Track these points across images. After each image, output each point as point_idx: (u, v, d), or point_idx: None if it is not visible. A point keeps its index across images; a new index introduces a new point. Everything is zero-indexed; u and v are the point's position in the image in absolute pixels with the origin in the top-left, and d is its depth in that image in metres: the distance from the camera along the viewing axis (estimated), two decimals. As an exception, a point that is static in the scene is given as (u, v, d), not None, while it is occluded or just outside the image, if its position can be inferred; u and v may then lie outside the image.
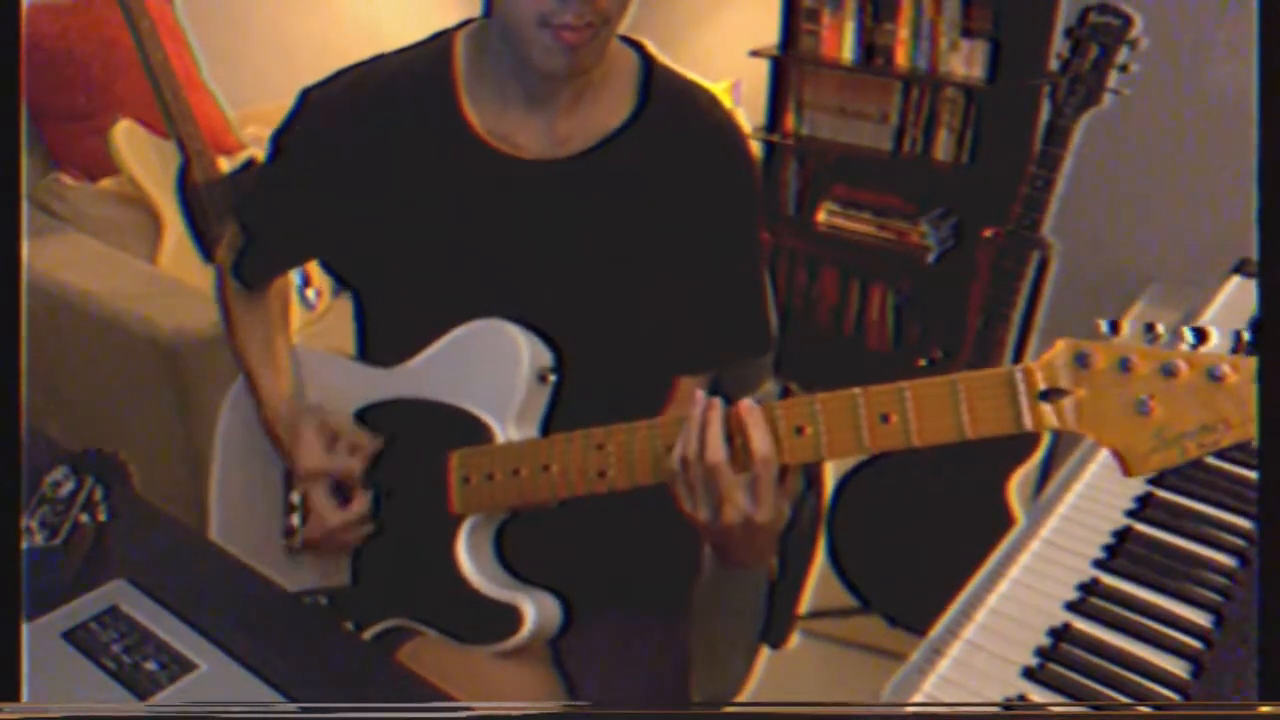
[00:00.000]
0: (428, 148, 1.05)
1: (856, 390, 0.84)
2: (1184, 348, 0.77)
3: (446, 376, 1.06)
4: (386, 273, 1.11)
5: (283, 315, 1.24)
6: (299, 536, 1.15)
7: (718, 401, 0.90)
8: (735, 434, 0.89)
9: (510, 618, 1.02)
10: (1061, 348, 0.79)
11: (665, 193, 1.06)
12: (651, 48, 1.09)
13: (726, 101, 1.13)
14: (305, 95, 1.10)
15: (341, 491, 1.10)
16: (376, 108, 1.07)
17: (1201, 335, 0.77)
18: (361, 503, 1.09)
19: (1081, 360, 0.78)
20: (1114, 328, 0.79)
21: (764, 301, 1.15)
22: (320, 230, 1.13)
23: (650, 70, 1.07)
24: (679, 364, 1.12)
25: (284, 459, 1.15)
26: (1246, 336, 0.76)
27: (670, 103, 1.07)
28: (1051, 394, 0.79)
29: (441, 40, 1.07)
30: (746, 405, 0.89)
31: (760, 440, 0.88)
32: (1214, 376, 0.75)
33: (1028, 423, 0.80)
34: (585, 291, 1.07)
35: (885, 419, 0.83)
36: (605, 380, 1.05)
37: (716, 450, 0.88)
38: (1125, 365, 0.77)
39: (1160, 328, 0.78)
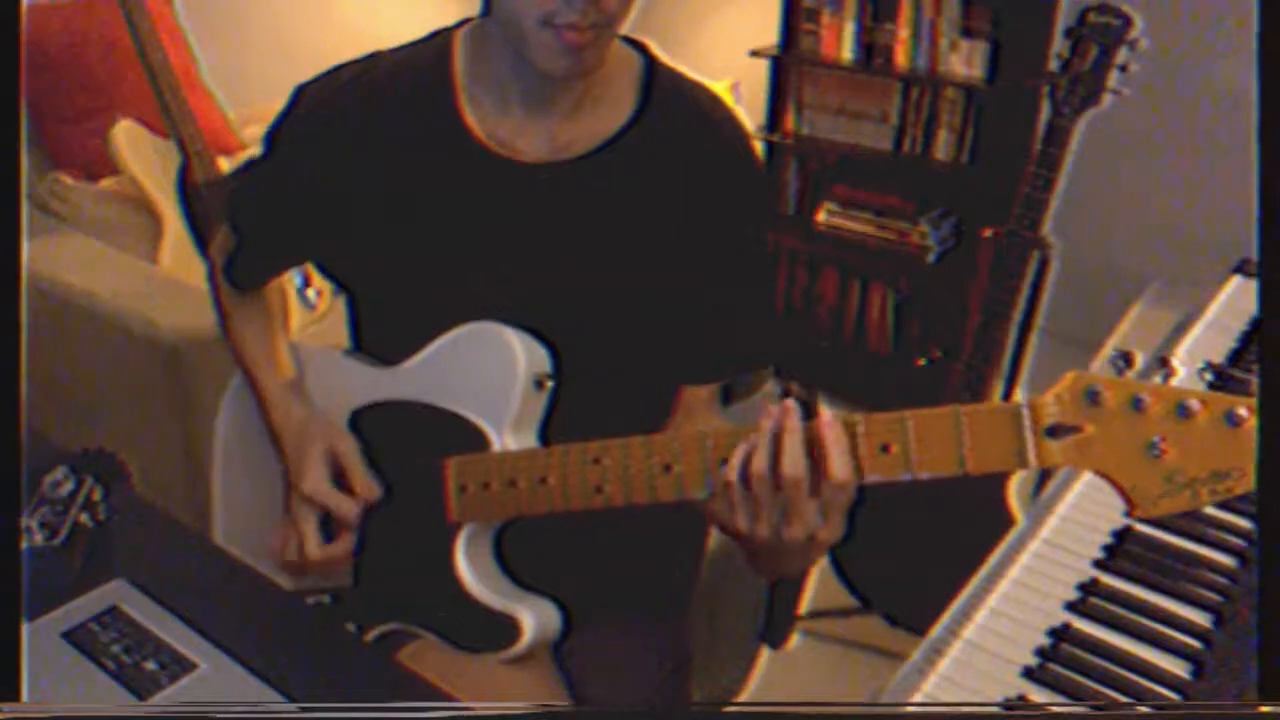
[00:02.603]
0: (424, 150, 1.04)
1: (858, 418, 0.83)
2: (1201, 385, 0.74)
3: (442, 380, 1.05)
4: (381, 276, 1.10)
5: (281, 312, 1.23)
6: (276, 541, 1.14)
7: (794, 407, 0.85)
8: (813, 449, 0.84)
9: (509, 628, 1.02)
10: (1070, 381, 0.76)
11: (666, 195, 1.04)
12: (654, 49, 1.08)
13: (728, 101, 1.12)
14: (300, 91, 1.08)
15: (328, 526, 1.09)
16: (373, 107, 1.05)
17: (1220, 374, 0.74)
18: (345, 545, 1.08)
19: (1091, 396, 0.76)
20: (1126, 359, 0.76)
21: (771, 306, 1.13)
22: (313, 231, 1.11)
23: (652, 72, 1.06)
24: (683, 373, 1.11)
25: (282, 463, 1.15)
26: (1209, 376, 0.73)
27: (671, 105, 1.05)
28: (1059, 430, 0.77)
29: (440, 39, 1.06)
30: (828, 421, 0.83)
31: (841, 463, 0.83)
32: (1232, 421, 0.72)
33: (1032, 460, 0.77)
34: (586, 296, 1.06)
35: (885, 449, 0.82)
36: (609, 387, 1.04)
37: (798, 463, 0.83)
38: (1138, 404, 0.74)
39: (1175, 362, 0.75)
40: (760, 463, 0.84)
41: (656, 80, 1.05)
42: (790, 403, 0.84)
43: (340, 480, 1.09)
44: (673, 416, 1.11)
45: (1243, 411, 0.72)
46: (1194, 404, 0.73)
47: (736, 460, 0.85)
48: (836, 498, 0.84)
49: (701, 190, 1.05)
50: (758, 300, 1.13)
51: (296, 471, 1.10)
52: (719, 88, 3.12)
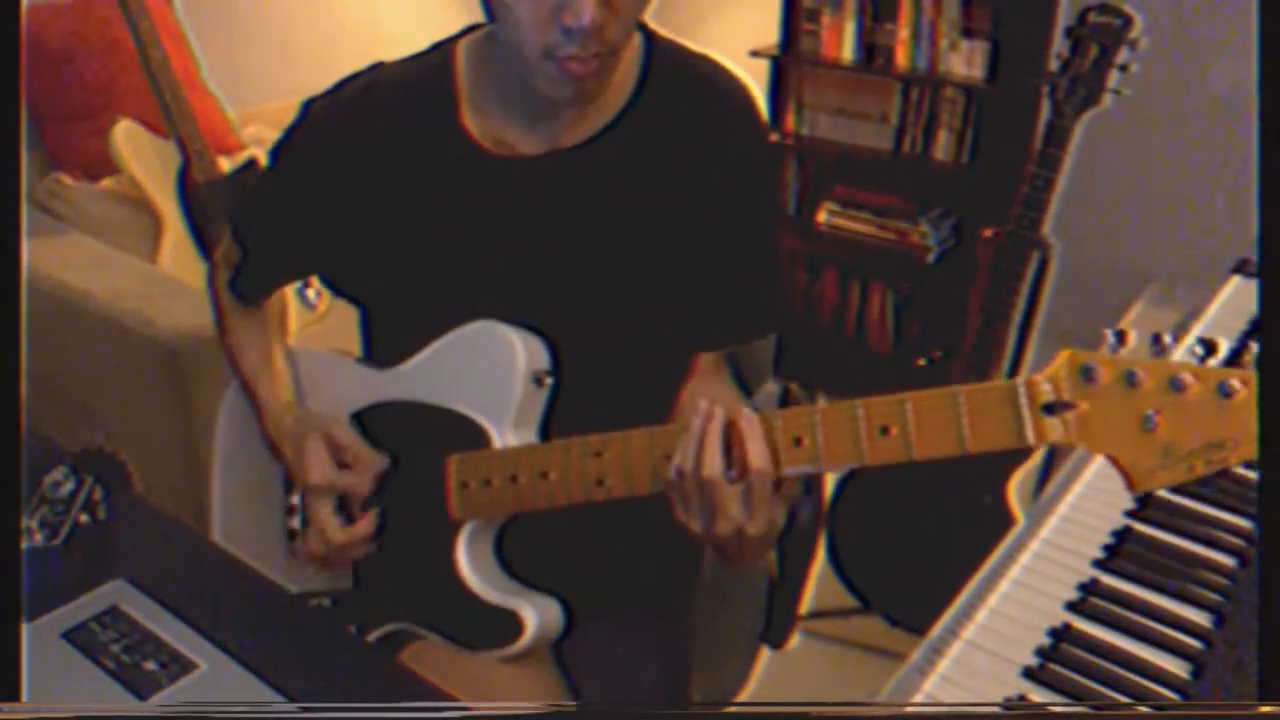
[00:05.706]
0: (428, 160, 1.04)
1: (857, 401, 0.83)
2: (1193, 360, 0.75)
3: (442, 379, 1.05)
4: (391, 285, 1.10)
5: (280, 320, 1.23)
6: (299, 539, 1.14)
7: (718, 412, 0.89)
8: (734, 445, 0.88)
9: (512, 624, 1.02)
10: (1065, 359, 0.77)
11: (672, 167, 1.04)
12: (654, 26, 1.06)
13: (734, 70, 1.09)
14: (307, 107, 1.09)
15: (345, 509, 1.10)
16: (378, 121, 1.06)
17: (1210, 347, 0.75)
18: (367, 522, 1.08)
19: (1086, 373, 0.77)
20: (1120, 338, 0.77)
21: (777, 272, 1.13)
22: (321, 245, 1.12)
23: (652, 49, 1.05)
24: (691, 341, 1.10)
25: (284, 467, 1.14)
26: (1254, 349, 0.74)
27: (671, 77, 1.04)
28: (1055, 407, 0.77)
29: (442, 50, 1.06)
30: (746, 416, 0.88)
31: (757, 454, 0.87)
32: (1224, 392, 0.73)
33: (1030, 437, 0.78)
34: (596, 281, 1.05)
35: (885, 431, 0.83)
36: (616, 374, 1.04)
37: (713, 464, 0.88)
38: (1131, 379, 0.75)
39: (1168, 338, 0.76)
40: (686, 462, 0.89)
41: (656, 56, 1.05)
42: (716, 409, 0.89)
43: (344, 465, 1.09)
44: (678, 398, 1.11)
45: (1234, 383, 0.73)
46: (1186, 377, 0.74)
47: (674, 460, 0.90)
48: (760, 487, 0.88)
49: (707, 157, 1.04)
50: (765, 265, 1.12)
51: (300, 468, 1.10)
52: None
